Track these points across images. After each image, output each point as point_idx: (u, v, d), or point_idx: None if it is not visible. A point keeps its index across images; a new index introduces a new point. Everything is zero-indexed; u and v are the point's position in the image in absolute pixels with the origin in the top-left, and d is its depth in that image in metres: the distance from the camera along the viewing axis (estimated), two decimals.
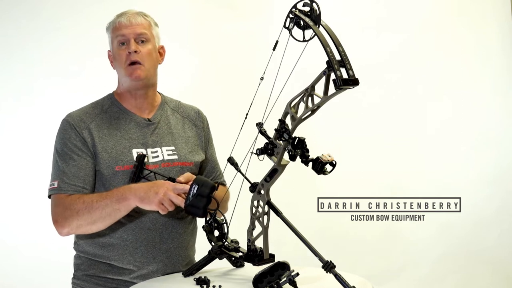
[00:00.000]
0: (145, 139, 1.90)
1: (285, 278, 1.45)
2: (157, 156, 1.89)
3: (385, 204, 3.48)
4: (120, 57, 1.88)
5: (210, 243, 1.68)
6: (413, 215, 3.48)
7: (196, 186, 1.67)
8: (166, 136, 1.93)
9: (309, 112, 1.45)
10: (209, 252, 1.67)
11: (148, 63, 1.89)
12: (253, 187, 1.59)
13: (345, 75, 1.36)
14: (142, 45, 1.89)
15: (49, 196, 1.85)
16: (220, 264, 1.73)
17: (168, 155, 1.90)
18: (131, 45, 1.87)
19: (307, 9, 1.44)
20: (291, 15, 1.46)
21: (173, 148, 1.92)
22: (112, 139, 1.85)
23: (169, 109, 2.00)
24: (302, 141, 1.48)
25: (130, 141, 1.87)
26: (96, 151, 1.83)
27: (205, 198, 1.66)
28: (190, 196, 1.67)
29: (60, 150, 1.84)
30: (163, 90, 2.04)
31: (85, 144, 1.83)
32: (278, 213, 1.56)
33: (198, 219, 2.03)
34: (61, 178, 1.81)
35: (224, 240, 1.66)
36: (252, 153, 1.56)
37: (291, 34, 1.45)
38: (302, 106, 1.45)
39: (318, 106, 1.43)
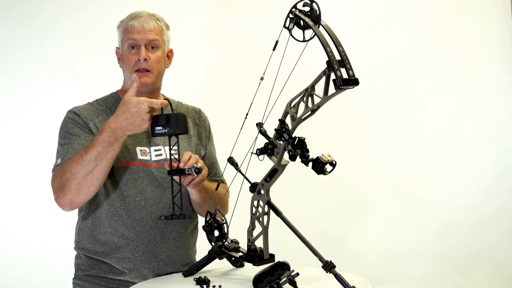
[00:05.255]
0: (149, 138, 1.91)
1: (285, 278, 1.45)
2: (161, 155, 1.90)
3: (385, 203, 3.48)
4: (128, 60, 1.88)
5: (210, 243, 1.68)
6: (413, 215, 3.48)
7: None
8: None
9: (309, 112, 1.45)
10: (209, 252, 1.67)
11: (156, 70, 1.90)
12: (253, 187, 1.59)
13: (345, 75, 1.36)
14: (152, 51, 1.88)
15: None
16: (220, 264, 1.73)
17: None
18: (141, 52, 1.86)
19: (307, 9, 1.44)
20: (291, 15, 1.46)
21: (175, 147, 1.92)
22: None
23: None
24: (302, 141, 1.48)
25: (134, 138, 1.88)
26: None
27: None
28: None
29: (66, 132, 1.84)
30: (163, 90, 2.04)
31: (91, 132, 1.84)
32: (278, 213, 1.56)
33: (198, 220, 2.03)
34: (65, 154, 1.80)
35: (224, 240, 1.66)
36: (252, 153, 1.56)
37: (291, 34, 1.44)
38: (302, 106, 1.45)
39: (318, 106, 1.43)
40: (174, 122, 1.70)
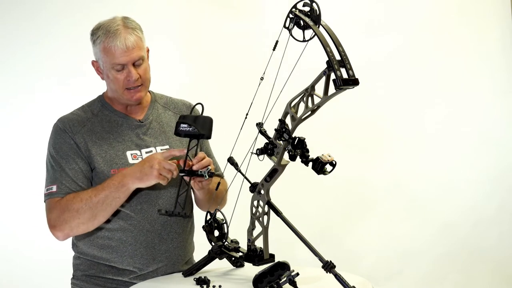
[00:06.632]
0: (138, 140, 1.89)
1: (285, 278, 1.46)
2: None
3: (385, 203, 3.48)
4: (117, 80, 1.83)
5: (210, 243, 1.69)
6: (413, 215, 3.48)
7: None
8: (159, 135, 1.93)
9: (309, 112, 1.45)
10: (209, 252, 1.67)
11: (146, 81, 1.88)
12: (253, 187, 1.59)
13: (345, 75, 1.36)
14: (139, 65, 1.83)
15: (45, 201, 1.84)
16: (220, 264, 1.73)
17: None
18: (132, 75, 1.80)
19: (307, 9, 1.44)
20: (291, 15, 1.46)
21: (167, 147, 1.92)
22: (105, 142, 1.85)
23: (160, 107, 1.99)
24: (302, 141, 1.48)
25: (123, 143, 1.87)
26: (90, 155, 1.82)
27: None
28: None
29: (55, 154, 1.84)
30: (163, 90, 2.03)
31: (79, 148, 1.83)
32: (278, 213, 1.56)
33: (195, 218, 2.03)
34: (60, 181, 1.80)
35: (224, 240, 1.66)
36: (252, 153, 1.56)
37: (291, 34, 1.45)
38: (302, 106, 1.46)
39: (318, 106, 1.43)
40: (201, 123, 1.69)
